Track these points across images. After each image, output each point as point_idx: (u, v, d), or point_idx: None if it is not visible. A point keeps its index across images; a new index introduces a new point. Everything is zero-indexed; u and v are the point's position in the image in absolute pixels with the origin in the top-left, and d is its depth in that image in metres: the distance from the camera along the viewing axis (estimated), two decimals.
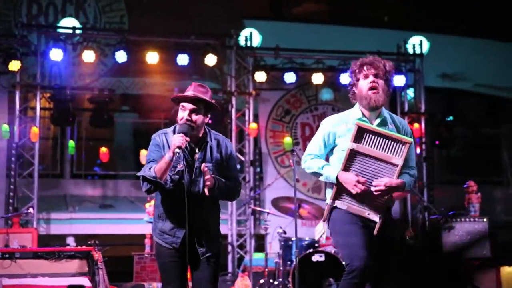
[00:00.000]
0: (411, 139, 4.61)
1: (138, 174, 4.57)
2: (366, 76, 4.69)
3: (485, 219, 8.25)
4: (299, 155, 11.23)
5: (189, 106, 4.56)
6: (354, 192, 4.56)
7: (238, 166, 11.66)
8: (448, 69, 13.79)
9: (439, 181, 13.81)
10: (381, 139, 4.56)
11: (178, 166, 4.49)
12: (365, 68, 4.69)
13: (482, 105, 15.35)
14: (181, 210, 4.45)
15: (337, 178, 4.62)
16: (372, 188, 4.57)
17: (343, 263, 4.68)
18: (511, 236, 13.05)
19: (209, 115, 4.68)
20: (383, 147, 4.56)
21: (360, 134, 4.57)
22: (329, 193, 4.75)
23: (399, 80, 11.13)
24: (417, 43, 11.89)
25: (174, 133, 4.59)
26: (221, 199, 4.77)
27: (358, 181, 4.54)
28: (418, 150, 11.56)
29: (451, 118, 11.93)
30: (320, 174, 4.73)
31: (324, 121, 4.88)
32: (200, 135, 4.65)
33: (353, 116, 4.76)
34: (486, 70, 13.86)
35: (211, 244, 4.64)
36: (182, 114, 4.56)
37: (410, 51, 11.87)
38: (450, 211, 8.50)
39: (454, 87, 14.13)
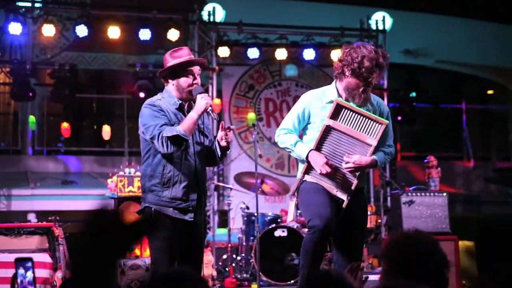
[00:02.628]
0: (388, 121, 4.63)
1: (169, 134, 4.43)
2: (370, 75, 4.56)
3: (444, 194, 8.35)
4: (262, 130, 11.28)
5: (197, 70, 4.72)
6: (320, 172, 4.60)
7: None
8: (411, 45, 13.86)
9: (401, 156, 13.98)
10: (358, 118, 4.57)
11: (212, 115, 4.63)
12: (377, 69, 4.57)
13: (443, 81, 15.53)
14: (189, 172, 4.56)
15: (307, 157, 4.65)
16: (343, 164, 4.59)
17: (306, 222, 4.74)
18: (470, 211, 13.32)
19: None
20: (359, 126, 4.58)
21: (338, 111, 4.58)
22: (301, 167, 4.79)
23: None
24: (380, 19, 11.84)
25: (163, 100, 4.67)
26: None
27: (326, 163, 4.56)
28: None
29: (413, 94, 11.98)
30: (292, 151, 4.77)
31: (302, 96, 4.90)
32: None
33: (328, 94, 4.76)
34: (448, 46, 13.97)
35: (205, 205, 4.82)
36: (190, 80, 4.68)
37: (373, 27, 11.84)
38: (411, 186, 8.59)
39: (416, 63, 14.24)
